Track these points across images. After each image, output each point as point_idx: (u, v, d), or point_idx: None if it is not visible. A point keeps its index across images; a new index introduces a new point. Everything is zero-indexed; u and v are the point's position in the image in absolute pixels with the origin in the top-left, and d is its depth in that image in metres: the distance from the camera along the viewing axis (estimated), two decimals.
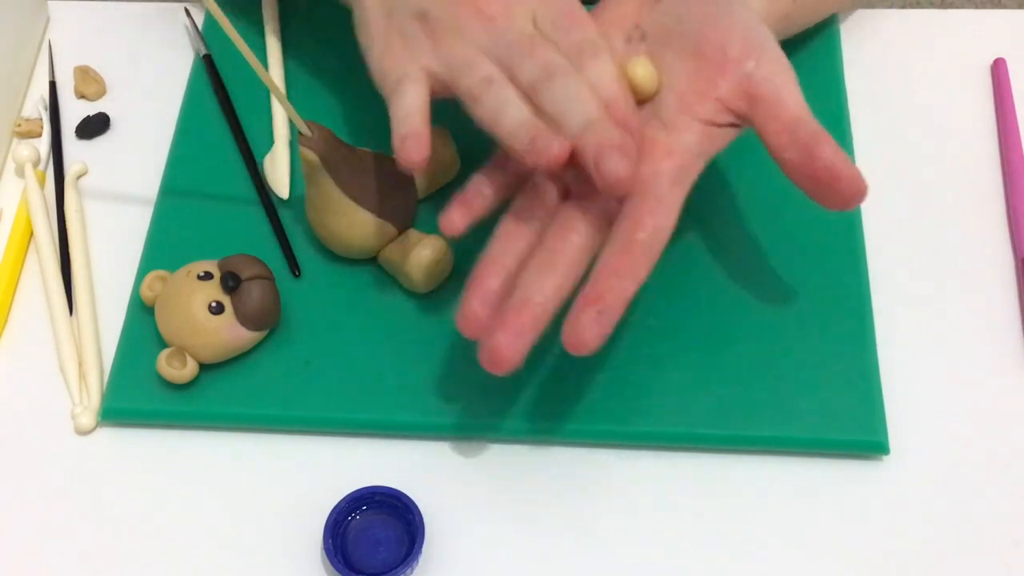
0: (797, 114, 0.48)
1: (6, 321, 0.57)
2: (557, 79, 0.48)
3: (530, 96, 0.49)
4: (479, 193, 0.51)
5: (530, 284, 0.47)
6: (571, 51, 0.49)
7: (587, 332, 0.45)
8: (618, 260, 0.47)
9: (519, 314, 0.46)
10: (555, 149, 0.47)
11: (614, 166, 0.46)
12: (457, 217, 0.50)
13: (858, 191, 0.48)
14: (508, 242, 0.49)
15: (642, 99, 0.50)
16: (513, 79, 0.49)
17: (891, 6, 0.69)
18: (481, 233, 0.57)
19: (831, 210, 0.49)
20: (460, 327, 0.47)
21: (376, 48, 0.53)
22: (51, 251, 0.58)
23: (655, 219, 0.47)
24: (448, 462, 0.52)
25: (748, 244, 0.57)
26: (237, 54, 0.49)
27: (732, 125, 0.50)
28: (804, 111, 0.49)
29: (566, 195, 0.50)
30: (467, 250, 0.57)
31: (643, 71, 0.50)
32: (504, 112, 0.48)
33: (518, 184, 0.51)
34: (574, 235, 0.48)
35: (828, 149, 0.48)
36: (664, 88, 0.50)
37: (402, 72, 0.51)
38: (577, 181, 0.49)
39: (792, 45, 0.64)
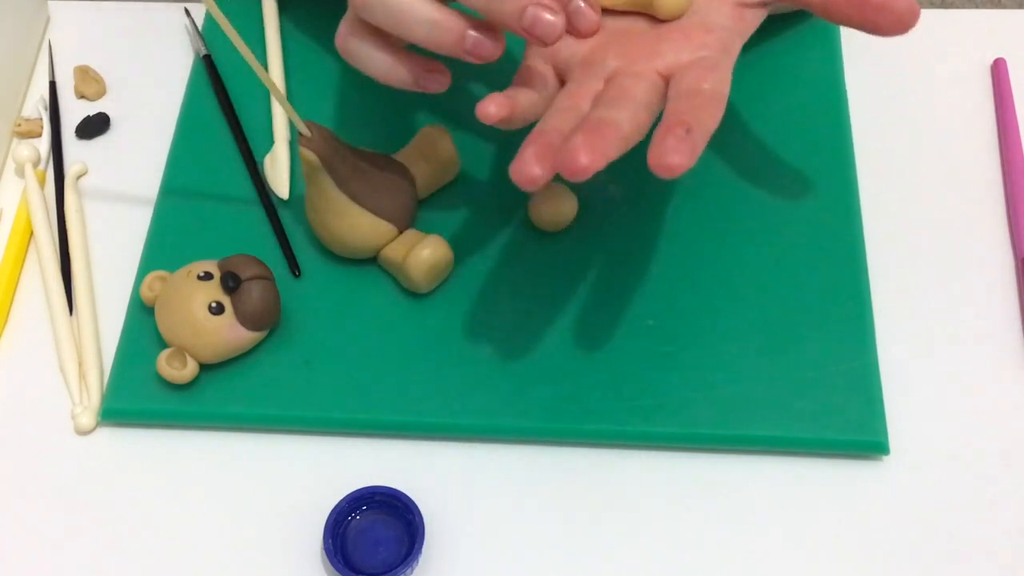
0: None
1: (6, 321, 0.57)
2: None
3: None
4: (518, 93, 0.49)
5: (604, 112, 0.45)
6: None
7: (675, 152, 0.42)
8: (691, 99, 0.46)
9: (597, 128, 0.44)
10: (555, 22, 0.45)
11: (545, 26, 0.45)
12: (495, 107, 0.47)
13: (911, 8, 0.48)
14: (566, 107, 0.48)
15: (667, 19, 0.51)
16: None
17: None
18: (481, 233, 0.57)
19: (885, 35, 0.49)
20: (513, 171, 0.44)
21: None
22: (51, 251, 0.58)
23: (714, 75, 0.47)
24: (448, 462, 0.52)
25: (747, 244, 0.57)
26: (237, 54, 0.49)
27: (761, 5, 0.51)
28: None
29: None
30: (467, 250, 0.57)
31: None
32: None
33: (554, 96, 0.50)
34: (634, 92, 0.47)
35: None
36: None
37: None
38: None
39: (792, 45, 0.64)
